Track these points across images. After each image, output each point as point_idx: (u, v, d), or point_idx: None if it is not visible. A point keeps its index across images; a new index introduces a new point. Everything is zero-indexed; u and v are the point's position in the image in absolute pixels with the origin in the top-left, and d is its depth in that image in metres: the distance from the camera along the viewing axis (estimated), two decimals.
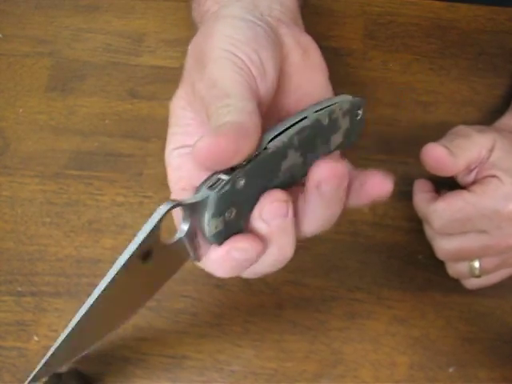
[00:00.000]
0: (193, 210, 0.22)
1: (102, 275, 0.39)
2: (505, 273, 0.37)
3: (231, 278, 0.39)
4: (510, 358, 0.37)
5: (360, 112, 0.28)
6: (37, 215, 0.41)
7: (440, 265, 0.38)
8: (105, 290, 0.22)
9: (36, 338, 0.37)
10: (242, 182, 0.23)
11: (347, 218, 0.41)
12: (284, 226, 0.24)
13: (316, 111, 0.25)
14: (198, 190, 0.23)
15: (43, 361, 0.24)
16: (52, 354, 0.24)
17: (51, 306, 0.38)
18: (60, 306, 0.38)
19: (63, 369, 0.36)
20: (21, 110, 0.45)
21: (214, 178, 0.23)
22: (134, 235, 0.22)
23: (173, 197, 0.26)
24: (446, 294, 0.39)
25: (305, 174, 0.25)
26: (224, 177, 0.22)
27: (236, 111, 0.23)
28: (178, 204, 0.22)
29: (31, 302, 0.38)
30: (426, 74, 0.47)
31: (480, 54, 0.48)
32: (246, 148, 0.22)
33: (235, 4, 0.28)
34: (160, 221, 0.22)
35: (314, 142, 0.26)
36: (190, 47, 0.28)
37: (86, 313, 0.23)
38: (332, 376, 0.37)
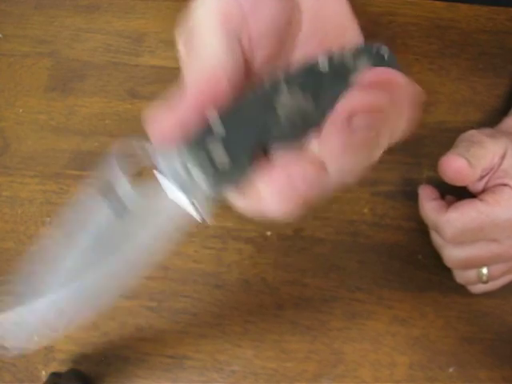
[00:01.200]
0: (170, 163, 0.22)
1: None
2: (510, 278, 0.37)
3: (231, 278, 0.39)
4: (510, 358, 0.37)
5: (383, 53, 0.26)
6: (37, 215, 0.41)
7: (440, 265, 0.38)
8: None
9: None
10: (220, 127, 0.22)
11: (347, 218, 0.41)
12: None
13: None
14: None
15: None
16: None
17: None
18: None
19: (63, 369, 0.36)
20: (21, 110, 0.45)
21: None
22: None
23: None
24: (445, 294, 0.39)
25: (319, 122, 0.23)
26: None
27: (199, 74, 0.22)
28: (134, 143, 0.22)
29: None
30: (425, 74, 0.47)
31: (480, 53, 0.48)
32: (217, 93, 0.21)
33: None
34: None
35: (320, 83, 0.23)
36: None
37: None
38: (332, 376, 0.37)
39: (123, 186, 0.23)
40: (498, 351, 0.37)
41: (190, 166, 0.22)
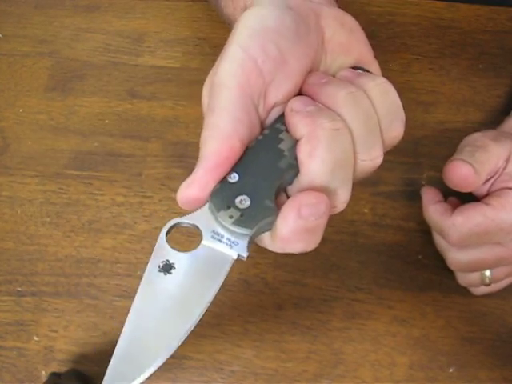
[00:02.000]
0: (201, 218, 0.25)
1: (102, 275, 0.39)
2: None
3: (231, 279, 0.39)
4: (510, 358, 0.37)
5: None
6: (37, 215, 0.41)
7: (440, 265, 0.38)
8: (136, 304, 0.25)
9: (36, 338, 0.37)
10: (234, 176, 0.25)
11: (347, 218, 0.41)
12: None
13: None
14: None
15: None
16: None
17: (51, 306, 0.38)
18: (60, 306, 0.38)
19: (63, 369, 0.36)
20: (21, 110, 0.45)
21: None
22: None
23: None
24: (445, 294, 0.39)
25: None
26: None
27: (213, 138, 0.24)
28: (177, 223, 0.25)
29: (31, 302, 0.38)
30: (425, 73, 0.47)
31: (480, 53, 0.48)
32: (222, 175, 0.25)
33: None
34: (165, 238, 0.25)
35: None
36: None
37: (127, 331, 0.25)
38: (332, 376, 0.37)
39: (172, 253, 0.25)
40: (498, 351, 0.37)
41: (217, 215, 0.24)
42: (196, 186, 0.24)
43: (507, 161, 0.34)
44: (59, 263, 0.39)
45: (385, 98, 0.26)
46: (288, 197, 0.26)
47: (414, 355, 0.37)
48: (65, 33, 0.49)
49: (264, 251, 0.40)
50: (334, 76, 0.28)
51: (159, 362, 0.25)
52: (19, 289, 0.39)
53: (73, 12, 0.50)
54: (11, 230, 0.41)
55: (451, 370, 0.37)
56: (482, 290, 0.37)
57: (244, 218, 0.24)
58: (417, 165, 0.43)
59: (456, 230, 0.34)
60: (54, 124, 0.45)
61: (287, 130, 0.26)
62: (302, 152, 0.24)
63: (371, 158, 0.26)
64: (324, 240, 0.40)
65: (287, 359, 0.37)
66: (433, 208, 0.36)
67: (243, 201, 0.25)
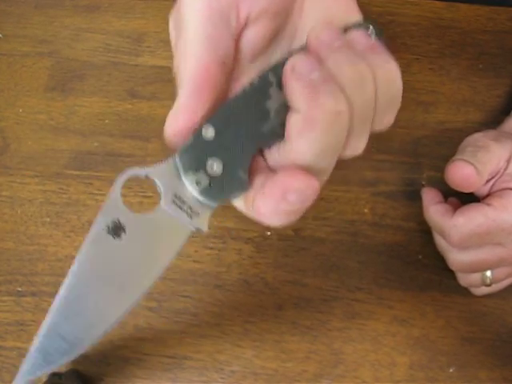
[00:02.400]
0: (163, 175, 0.22)
1: None
2: None
3: (231, 279, 0.39)
4: (510, 358, 0.37)
5: (370, 33, 0.25)
6: (37, 215, 0.41)
7: (440, 265, 0.38)
8: (79, 267, 0.22)
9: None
10: (210, 130, 0.22)
11: (347, 218, 0.41)
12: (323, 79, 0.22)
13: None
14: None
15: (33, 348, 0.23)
16: (42, 345, 0.23)
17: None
18: None
19: (63, 369, 0.36)
20: (21, 110, 0.45)
21: None
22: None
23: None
24: (445, 294, 0.39)
25: None
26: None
27: (186, 63, 0.22)
28: (134, 175, 0.22)
29: (31, 301, 0.38)
30: (425, 73, 0.47)
31: (480, 53, 0.48)
32: (207, 102, 0.22)
33: None
34: (120, 192, 0.22)
35: None
36: None
37: (65, 294, 0.23)
38: (332, 376, 0.37)
39: (124, 212, 0.22)
40: (498, 351, 0.37)
41: (183, 176, 0.22)
42: (184, 111, 0.22)
43: (508, 161, 0.34)
44: (59, 263, 0.39)
45: (390, 89, 0.24)
46: (264, 159, 0.24)
47: (414, 355, 0.37)
48: (65, 33, 0.49)
49: (264, 251, 0.40)
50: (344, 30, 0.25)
51: (94, 339, 0.22)
52: (19, 289, 0.39)
53: (73, 12, 0.50)
54: (11, 230, 0.41)
55: (451, 370, 0.37)
56: (483, 290, 0.37)
57: (212, 189, 0.22)
58: (417, 165, 0.43)
59: (457, 231, 0.34)
60: (54, 124, 0.45)
61: (279, 85, 0.22)
62: (294, 127, 0.22)
63: (357, 147, 0.24)
64: (324, 240, 0.41)
65: (287, 359, 0.37)
66: (433, 208, 0.36)
67: (215, 165, 0.22)
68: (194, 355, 0.37)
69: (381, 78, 0.23)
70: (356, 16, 0.27)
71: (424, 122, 0.45)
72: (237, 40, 0.24)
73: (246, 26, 0.24)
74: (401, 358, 0.37)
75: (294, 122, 0.22)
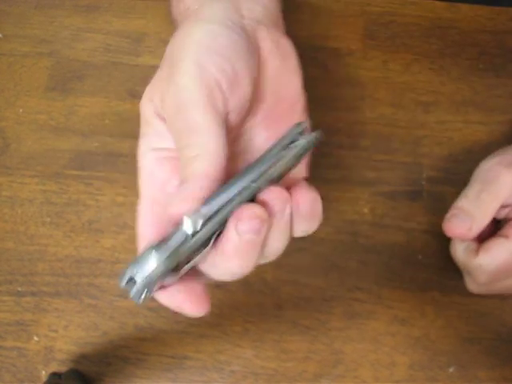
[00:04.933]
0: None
1: (102, 275, 0.39)
2: None
3: None
4: (510, 358, 0.37)
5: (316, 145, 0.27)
6: (37, 215, 0.41)
7: (440, 265, 0.38)
8: None
9: (36, 338, 0.37)
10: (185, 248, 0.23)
11: (347, 218, 0.41)
12: (255, 243, 0.24)
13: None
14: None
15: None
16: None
17: (51, 306, 0.38)
18: (60, 306, 0.38)
19: (63, 369, 0.36)
20: (21, 110, 0.45)
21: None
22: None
23: (140, 205, 0.28)
24: (445, 294, 0.39)
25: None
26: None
27: (203, 158, 0.24)
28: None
29: (31, 301, 0.38)
30: (425, 73, 0.47)
31: (480, 54, 0.48)
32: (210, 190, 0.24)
33: (215, 5, 0.28)
34: None
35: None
36: (167, 48, 0.28)
37: None
38: (332, 376, 0.37)
39: None
40: (498, 351, 0.37)
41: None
42: (191, 202, 0.23)
43: None
44: (59, 263, 0.39)
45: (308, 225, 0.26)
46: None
47: (413, 355, 0.37)
48: (65, 33, 0.49)
49: None
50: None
51: None
52: (19, 289, 0.39)
53: (73, 12, 0.50)
54: (11, 230, 0.41)
55: (451, 370, 0.37)
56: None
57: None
58: (417, 165, 0.43)
59: (484, 271, 0.34)
60: (54, 124, 0.45)
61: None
62: (208, 262, 0.25)
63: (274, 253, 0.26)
64: (324, 240, 0.41)
65: (287, 359, 0.37)
66: (460, 247, 0.36)
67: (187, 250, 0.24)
68: (194, 355, 0.37)
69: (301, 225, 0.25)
70: (297, 76, 0.29)
71: (424, 122, 0.45)
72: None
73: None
74: (401, 357, 0.37)
75: (210, 259, 0.24)
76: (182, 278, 0.25)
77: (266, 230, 0.23)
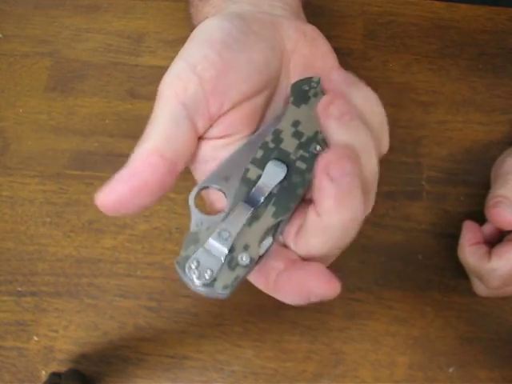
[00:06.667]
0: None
1: (102, 275, 0.39)
2: None
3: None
4: (510, 358, 0.37)
5: None
6: (37, 215, 0.41)
7: (440, 265, 0.38)
8: None
9: (36, 338, 0.37)
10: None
11: None
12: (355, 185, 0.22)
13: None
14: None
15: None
16: None
17: (51, 306, 0.38)
18: (60, 306, 0.38)
19: (63, 369, 0.36)
20: (21, 110, 0.45)
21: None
22: None
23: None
24: (445, 294, 0.39)
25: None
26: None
27: (137, 151, 0.26)
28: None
29: (31, 302, 0.38)
30: (425, 74, 0.47)
31: (480, 54, 0.48)
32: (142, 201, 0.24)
33: (232, 6, 0.28)
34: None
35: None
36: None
37: None
38: (332, 376, 0.37)
39: None
40: (497, 351, 0.37)
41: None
42: (112, 194, 0.24)
43: None
44: (59, 263, 0.39)
45: (377, 118, 0.26)
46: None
47: (413, 355, 0.37)
48: (65, 33, 0.49)
49: None
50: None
51: None
52: (19, 289, 0.39)
53: (73, 12, 0.50)
54: (11, 230, 0.41)
55: (451, 370, 0.37)
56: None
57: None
58: (417, 165, 0.43)
59: (496, 276, 0.34)
60: (54, 124, 0.45)
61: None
62: (311, 227, 0.23)
63: (369, 207, 0.26)
64: None
65: (287, 359, 0.37)
66: (470, 251, 0.36)
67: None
68: (194, 355, 0.37)
69: (367, 112, 0.25)
70: (331, 58, 0.28)
71: (424, 122, 0.45)
72: (203, 133, 0.26)
73: (218, 118, 0.25)
74: (400, 357, 0.37)
75: (312, 223, 0.22)
76: (295, 267, 0.24)
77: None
